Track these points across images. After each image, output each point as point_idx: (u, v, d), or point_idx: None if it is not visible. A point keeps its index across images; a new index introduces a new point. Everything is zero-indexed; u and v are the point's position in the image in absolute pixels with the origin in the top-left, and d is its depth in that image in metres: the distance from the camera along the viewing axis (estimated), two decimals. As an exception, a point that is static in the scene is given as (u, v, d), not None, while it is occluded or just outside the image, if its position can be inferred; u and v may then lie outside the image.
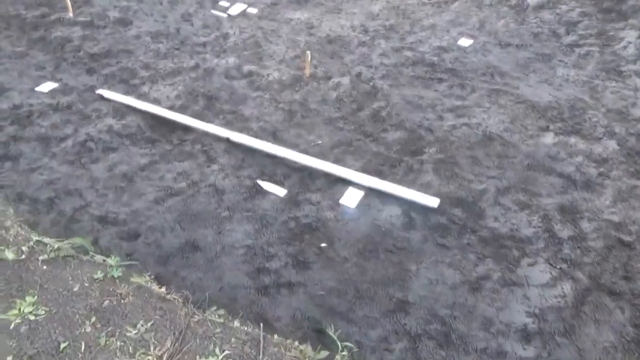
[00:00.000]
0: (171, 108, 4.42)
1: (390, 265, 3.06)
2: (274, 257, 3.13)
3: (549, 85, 4.68)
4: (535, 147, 3.91)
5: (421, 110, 4.34)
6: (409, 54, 5.21)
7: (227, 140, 4.03)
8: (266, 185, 3.63)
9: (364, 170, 3.74)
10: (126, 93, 4.59)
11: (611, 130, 4.10)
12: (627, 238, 3.20)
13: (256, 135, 4.12)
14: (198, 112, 4.39)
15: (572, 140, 3.98)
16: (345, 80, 4.77)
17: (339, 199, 3.50)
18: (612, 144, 3.95)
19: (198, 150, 3.97)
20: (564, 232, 3.23)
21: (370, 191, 3.54)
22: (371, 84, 4.73)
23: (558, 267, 3.02)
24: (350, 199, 3.48)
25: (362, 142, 4.03)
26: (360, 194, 3.51)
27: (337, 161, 3.83)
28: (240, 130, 4.17)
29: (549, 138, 4.01)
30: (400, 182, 3.61)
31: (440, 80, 4.76)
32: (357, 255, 3.12)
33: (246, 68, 4.97)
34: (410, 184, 3.59)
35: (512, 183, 3.59)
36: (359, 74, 4.87)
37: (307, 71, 4.80)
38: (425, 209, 3.39)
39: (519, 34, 5.56)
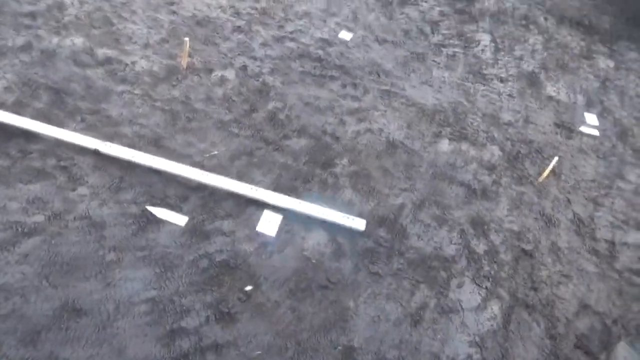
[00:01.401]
0: (0, 106, 3.24)
1: (328, 304, 2.70)
2: (190, 311, 2.49)
3: (430, 87, 4.76)
4: (436, 155, 3.92)
5: (321, 113, 4.00)
6: (292, 45, 4.77)
7: (95, 152, 3.11)
8: (160, 213, 2.90)
9: (275, 187, 3.26)
10: None
11: (491, 136, 4.34)
12: (527, 247, 3.40)
13: (133, 144, 3.27)
14: (43, 112, 3.31)
15: (464, 146, 4.11)
16: (230, 74, 4.14)
17: (255, 226, 2.97)
18: (496, 150, 4.18)
19: (53, 167, 2.98)
20: (480, 246, 3.29)
21: (288, 214, 3.09)
22: (260, 79, 4.19)
23: (483, 286, 3.04)
24: (268, 225, 2.99)
25: (265, 152, 3.51)
26: (278, 218, 3.04)
27: (241, 176, 3.27)
28: (110, 137, 3.27)
29: (444, 145, 4.06)
30: (317, 200, 3.24)
31: (332, 78, 4.46)
32: (290, 297, 2.68)
33: (101, 52, 3.94)
34: (329, 202, 3.25)
35: (424, 195, 3.53)
36: (244, 67, 4.27)
37: (184, 62, 4.01)
38: (351, 232, 3.10)
39: (391, 30, 5.56)
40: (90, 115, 3.39)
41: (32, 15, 4.13)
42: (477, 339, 2.76)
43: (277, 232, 2.97)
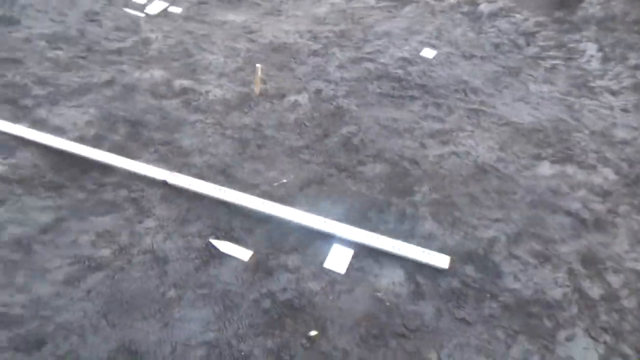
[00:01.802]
0: (81, 140, 3.34)
1: (405, 356, 2.33)
2: (249, 357, 2.26)
3: (526, 104, 4.23)
4: (535, 180, 3.40)
5: (399, 136, 3.67)
6: (370, 66, 4.53)
7: (164, 183, 3.06)
8: (224, 246, 2.74)
9: (347, 217, 2.97)
10: (15, 120, 3.42)
11: (603, 157, 3.71)
12: (657, 291, 2.75)
13: (201, 175, 3.19)
14: (119, 144, 3.36)
15: (569, 169, 3.53)
16: (303, 99, 3.97)
17: (322, 262, 2.70)
18: (610, 173, 3.55)
19: (124, 199, 2.96)
20: (594, 290, 2.71)
21: (360, 249, 2.78)
22: (334, 103, 3.97)
23: (601, 340, 2.47)
24: (338, 261, 2.70)
25: (336, 179, 3.26)
26: (348, 253, 2.74)
27: (310, 207, 3.03)
28: (180, 168, 3.21)
29: (545, 168, 3.52)
30: (394, 232, 2.90)
31: (412, 98, 4.12)
32: (360, 345, 2.35)
33: (178, 83, 3.98)
34: (408, 236, 2.89)
35: (520, 227, 3.03)
36: (318, 91, 4.09)
37: (257, 88, 3.92)
38: (432, 271, 2.71)
39: (479, 45, 5.10)
40: (162, 146, 3.38)
41: (119, 51, 4.32)
42: (596, 409, 2.21)
43: (347, 269, 2.67)
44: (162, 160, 3.26)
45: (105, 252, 2.64)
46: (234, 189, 3.07)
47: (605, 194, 3.35)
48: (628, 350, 2.45)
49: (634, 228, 3.12)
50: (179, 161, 3.28)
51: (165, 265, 2.61)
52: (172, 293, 2.48)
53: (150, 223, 2.83)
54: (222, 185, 3.10)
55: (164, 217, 2.87)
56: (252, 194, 3.07)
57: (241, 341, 2.31)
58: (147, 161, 3.24)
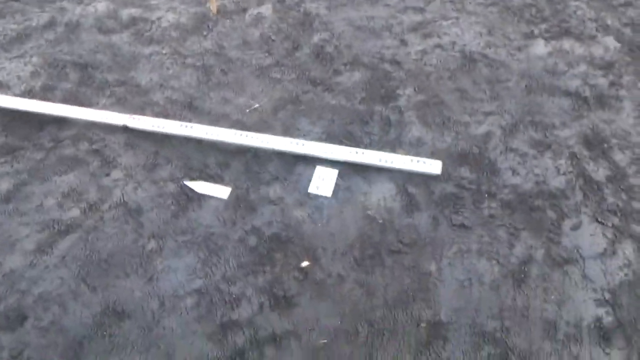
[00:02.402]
0: (29, 94, 3.05)
1: (403, 272, 2.21)
2: (241, 299, 2.15)
3: (514, -24, 3.78)
4: (529, 62, 3.09)
5: (376, 37, 3.31)
6: (336, -40, 4.01)
7: (125, 127, 2.81)
8: (200, 187, 2.55)
9: (328, 136, 2.74)
10: (-48, 82, 3.11)
11: (603, 24, 3.35)
12: (667, 163, 2.56)
13: (165, 112, 2.92)
14: (71, 92, 3.06)
15: (566, 44, 3.20)
16: (267, 10, 3.57)
17: (306, 188, 2.51)
18: (611, 42, 3.22)
19: (86, 152, 2.73)
20: (599, 172, 2.52)
21: (346, 167, 2.58)
22: (301, 9, 3.57)
23: (609, 224, 2.33)
24: (322, 184, 2.51)
25: (312, 95, 2.97)
26: (333, 174, 2.55)
27: (287, 130, 2.79)
28: (141, 108, 2.94)
29: (539, 47, 3.19)
30: (380, 144, 2.68)
31: (386, -11, 3.69)
32: (355, 269, 2.23)
33: (126, 13, 3.57)
34: (395, 145, 2.67)
35: (516, 117, 2.79)
36: (281, -2, 3.66)
37: (214, 5, 3.51)
38: (424, 179, 2.52)
39: None
40: (118, 87, 3.08)
41: (55, -12, 3.85)
42: (607, 295, 2.11)
43: (333, 191, 2.48)
44: (120, 103, 2.98)
45: (75, 213, 2.46)
46: (203, 122, 2.82)
47: (607, 66, 3.06)
48: (637, 229, 2.31)
49: (640, 98, 2.86)
50: (139, 101, 2.99)
51: (140, 216, 2.44)
52: (152, 245, 2.34)
53: (117, 174, 2.62)
54: (189, 120, 2.85)
55: (131, 165, 2.66)
56: (223, 125, 2.82)
57: (231, 284, 2.19)
58: (104, 107, 2.96)
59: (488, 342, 2.01)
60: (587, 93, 2.90)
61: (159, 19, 3.51)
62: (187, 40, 3.37)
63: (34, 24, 3.52)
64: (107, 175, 2.63)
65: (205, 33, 3.42)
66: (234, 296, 2.15)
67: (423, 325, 2.06)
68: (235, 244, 2.32)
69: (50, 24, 3.51)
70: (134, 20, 3.51)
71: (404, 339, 2.03)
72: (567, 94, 2.91)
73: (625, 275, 2.17)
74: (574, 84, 2.95)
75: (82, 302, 2.13)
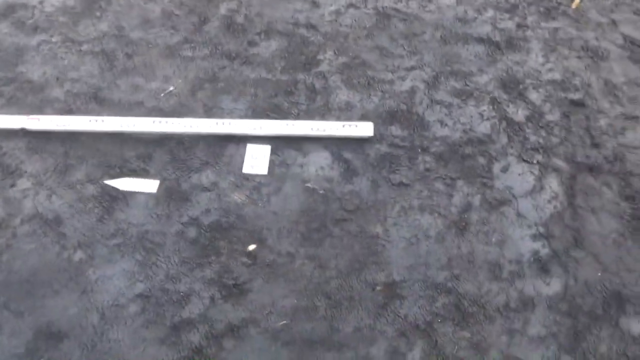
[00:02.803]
0: None
1: (351, 239, 2.20)
2: (189, 296, 2.04)
3: None
4: (440, 13, 3.12)
5: (287, 1, 3.17)
6: None
7: (23, 131, 2.50)
8: (123, 184, 2.34)
9: (254, 111, 2.62)
10: None
11: (502, -33, 3.44)
12: (576, 96, 2.73)
13: (69, 108, 2.63)
14: (-50, 98, 2.66)
15: (472, -9, 3.26)
16: (164, -18, 3.28)
17: (240, 169, 2.40)
18: (512, -15, 3.32)
19: (-19, 164, 2.41)
20: (519, 113, 2.64)
21: (278, 141, 2.48)
22: (202, -22, 3.32)
23: (534, 161, 2.45)
24: (256, 162, 2.41)
25: (230, 70, 2.81)
26: (266, 150, 2.45)
27: (210, 110, 2.63)
28: (39, 108, 2.63)
29: (447, -4, 3.22)
30: (309, 113, 2.60)
31: (289, -50, 3.52)
32: (303, 244, 2.18)
33: (1, 2, 3.13)
34: (324, 112, 2.60)
35: (436, 69, 2.82)
36: (178, -32, 3.38)
37: (102, -18, 3.16)
38: (358, 143, 2.49)
39: None
40: (6, 86, 2.72)
41: None
42: (541, 229, 2.24)
43: (269, 168, 2.39)
44: (13, 104, 2.64)
45: (-19, 234, 2.17)
46: (114, 114, 2.57)
47: (512, 9, 3.16)
48: (560, 163, 2.46)
49: (545, 37, 3.00)
50: (35, 99, 2.66)
51: (60, 226, 2.20)
52: (79, 255, 2.13)
53: (24, 183, 2.34)
54: (98, 114, 2.59)
55: (38, 171, 2.38)
56: (138, 114, 2.60)
57: (176, 282, 2.06)
58: (-6, 110, 2.61)
59: (441, 293, 2.07)
60: (498, 37, 2.99)
61: (41, 2, 3.12)
62: (79, 24, 3.02)
63: None
64: (13, 186, 2.34)
65: (98, 14, 3.09)
66: (181, 294, 2.03)
67: (378, 288, 2.08)
68: (174, 239, 2.18)
69: None
70: (11, 8, 3.09)
71: (361, 305, 2.03)
72: (480, 40, 2.98)
73: (555, 207, 2.31)
74: (485, 30, 3.03)
75: (8, 331, 1.91)
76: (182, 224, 2.22)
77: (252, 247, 2.15)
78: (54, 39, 2.94)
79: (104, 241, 2.17)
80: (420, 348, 1.94)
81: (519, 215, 2.28)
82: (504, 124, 2.59)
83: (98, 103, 2.66)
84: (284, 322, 1.98)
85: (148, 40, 2.97)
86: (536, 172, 2.41)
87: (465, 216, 2.27)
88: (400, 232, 2.22)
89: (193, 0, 3.19)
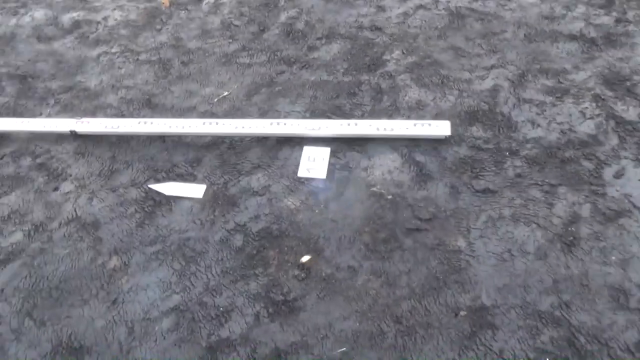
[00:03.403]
0: (-43, 112, 2.60)
1: (427, 252, 1.80)
2: (230, 312, 1.71)
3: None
4: (522, 11, 2.77)
5: (350, 6, 2.97)
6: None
7: (73, 134, 2.38)
8: (168, 189, 2.12)
9: (312, 113, 2.36)
10: None
11: (593, -34, 3.06)
12: (702, 93, 2.23)
13: (121, 114, 2.51)
14: (8, 107, 2.63)
15: (559, -11, 2.89)
16: (225, -4, 3.21)
17: (295, 172, 2.10)
18: (606, -19, 2.92)
19: (29, 168, 2.29)
20: (630, 111, 2.17)
21: (338, 143, 2.18)
22: (263, -9, 3.22)
23: (658, 165, 1.96)
24: (313, 165, 2.10)
25: (288, 74, 2.59)
26: (325, 152, 2.14)
27: (265, 114, 2.39)
28: (92, 113, 2.52)
29: (530, -6, 2.88)
30: (374, 114, 2.30)
31: (354, -38, 3.36)
32: (368, 256, 1.81)
33: (67, 18, 3.17)
34: (391, 112, 2.29)
35: (522, 67, 2.44)
36: (240, -17, 3.31)
37: (165, -3, 3.14)
38: (432, 144, 2.13)
39: None
40: (64, 94, 2.66)
41: (-13, 4, 3.44)
42: (677, 246, 1.73)
43: (328, 171, 2.08)
44: (67, 110, 2.56)
45: (17, 237, 2.00)
46: (166, 118, 2.41)
47: (607, 4, 2.75)
48: (692, 168, 1.95)
49: (653, 31, 2.55)
50: (89, 105, 2.57)
51: (97, 230, 1.99)
52: (114, 262, 1.89)
53: (67, 187, 2.18)
54: (150, 119, 2.43)
55: (83, 175, 2.22)
56: (189, 117, 2.41)
57: (216, 295, 1.75)
58: (49, 117, 2.53)
59: (547, 324, 1.60)
60: (593, 34, 2.58)
61: (104, 18, 3.12)
62: (139, 36, 2.97)
63: (-37, 41, 3.10)
64: (56, 189, 2.18)
65: (159, 27, 3.03)
66: (221, 309, 1.71)
67: (463, 313, 1.64)
68: (217, 247, 1.89)
69: (-18, 39, 3.09)
70: (76, 24, 3.11)
71: (442, 333, 1.60)
72: (572, 37, 2.58)
73: (691, 219, 1.79)
74: (577, 26, 2.63)
75: (27, 342, 1.66)
76: (227, 230, 1.93)
77: (306, 258, 1.81)
78: (113, 50, 2.89)
79: (142, 248, 1.92)
80: (521, 393, 1.46)
81: (643, 227, 1.79)
82: (612, 123, 2.13)
83: (151, 108, 2.52)
84: (343, 349, 1.59)
85: (205, 49, 2.84)
86: (662, 177, 1.92)
87: (573, 229, 1.80)
88: (488, 246, 1.79)
89: (253, 11, 3.07)
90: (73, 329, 1.69)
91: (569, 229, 1.81)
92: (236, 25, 2.98)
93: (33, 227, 2.04)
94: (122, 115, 2.49)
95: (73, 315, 1.74)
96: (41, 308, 1.76)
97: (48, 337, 1.68)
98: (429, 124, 2.13)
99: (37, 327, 1.70)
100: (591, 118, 2.16)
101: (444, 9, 2.83)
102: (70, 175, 2.23)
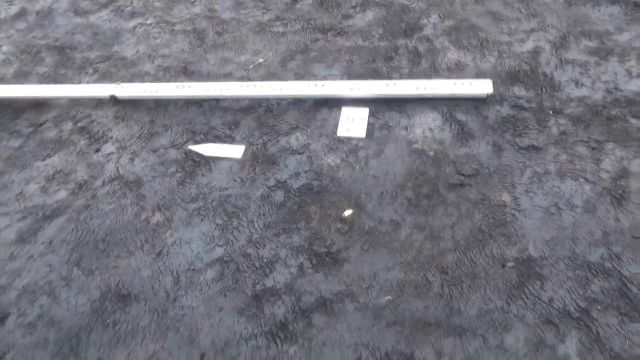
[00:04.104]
0: (1, 81, 2.66)
1: (470, 207, 1.77)
2: (274, 263, 1.71)
3: None
4: (562, -24, 2.70)
5: (384, -24, 2.93)
6: None
7: (113, 99, 2.41)
8: (208, 149, 2.13)
9: (350, 77, 2.34)
10: None
11: None
12: None
13: (157, 80, 2.53)
14: (49, 75, 2.68)
15: (599, -46, 2.81)
16: (258, -31, 3.20)
17: (334, 132, 2.10)
18: (649, -54, 2.83)
19: (71, 132, 2.33)
20: (680, 68, 2.11)
21: (377, 104, 2.17)
22: (296, -37, 3.20)
23: None
24: (353, 125, 2.10)
25: (323, 42, 2.58)
26: (364, 112, 2.13)
27: (301, 78, 2.39)
28: (130, 81, 2.55)
29: (570, -40, 2.80)
30: (413, 76, 2.27)
31: None
32: (411, 210, 1.79)
33: (103, -7, 3.21)
34: (430, 74, 2.26)
35: (563, 30, 2.38)
36: (272, -43, 3.31)
37: (198, -30, 3.15)
38: (473, 103, 2.10)
39: None
40: (102, 63, 2.70)
41: (25, -18, 3.51)
42: None
43: (367, 131, 2.07)
44: (106, 78, 2.60)
45: (61, 195, 2.04)
46: (203, 82, 2.42)
47: (651, -31, 2.66)
48: None
49: (700, -6, 2.46)
50: (127, 73, 2.60)
51: (140, 188, 2.02)
52: (157, 217, 1.91)
53: (109, 148, 2.22)
54: (188, 82, 2.45)
55: (124, 137, 2.25)
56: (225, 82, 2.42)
57: (259, 247, 1.76)
58: (88, 84, 2.57)
59: (597, 274, 1.56)
60: (638, -4, 2.50)
61: (140, -8, 3.16)
62: (173, 8, 3.00)
63: (2, 16, 3.17)
64: (97, 151, 2.22)
65: (193, 0, 3.05)
66: (265, 260, 1.72)
67: (510, 264, 1.62)
68: (259, 203, 1.89)
69: (21, 14, 3.16)
70: (112, -2, 3.15)
71: (489, 284, 1.58)
72: (614, 1, 2.51)
73: None
74: (620, -10, 2.56)
75: (76, 288, 1.70)
76: (268, 187, 1.94)
77: (348, 212, 1.81)
78: (148, 21, 2.92)
79: (184, 205, 1.94)
80: (576, 339, 1.43)
81: (698, 181, 1.73)
82: (660, 81, 2.07)
83: (187, 75, 2.54)
84: (389, 297, 1.58)
85: (239, 19, 2.85)
86: None
87: (622, 183, 1.76)
88: (534, 200, 1.76)
89: (286, -18, 3.06)
90: (120, 278, 1.72)
91: (618, 182, 1.76)
92: (269, -4, 2.98)
93: (77, 185, 2.08)
94: (161, 81, 2.52)
95: (120, 265, 1.76)
96: (88, 258, 1.79)
97: (97, 284, 1.71)
98: (470, 83, 2.10)
99: (85, 276, 1.74)
100: (638, 77, 2.10)
101: (480, -25, 2.78)
102: (111, 138, 2.27)
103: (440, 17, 2.55)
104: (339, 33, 2.62)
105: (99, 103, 2.44)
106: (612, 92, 2.07)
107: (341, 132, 2.08)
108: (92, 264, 1.77)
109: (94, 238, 1.86)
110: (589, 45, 2.28)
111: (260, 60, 2.56)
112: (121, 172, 2.09)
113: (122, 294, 1.67)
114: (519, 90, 2.13)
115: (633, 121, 1.95)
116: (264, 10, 2.88)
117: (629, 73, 2.12)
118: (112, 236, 1.86)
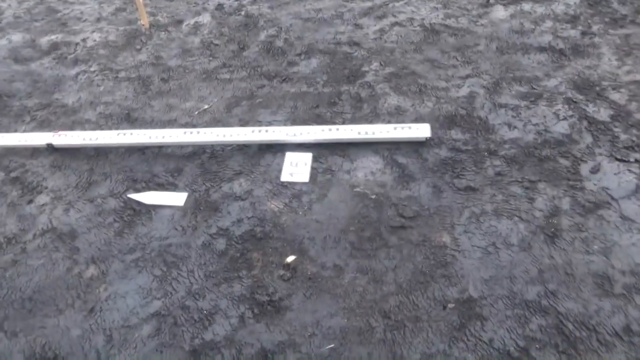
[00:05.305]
0: None
1: (412, 249, 1.78)
2: (214, 314, 1.65)
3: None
4: (492, 26, 2.89)
5: (328, 25, 3.05)
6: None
7: (49, 147, 2.33)
8: (149, 198, 2.07)
9: (294, 123, 2.37)
10: None
11: (555, -13, 3.24)
12: (666, 95, 2.33)
13: (98, 128, 2.48)
14: (-17, 123, 2.58)
15: (526, 6, 3.04)
16: (205, 19, 3.27)
17: (277, 177, 2.09)
18: (569, -1, 3.09)
19: (2, 182, 2.22)
20: (601, 112, 2.25)
21: (320, 149, 2.19)
22: (242, 12, 3.30)
23: (631, 159, 2.02)
24: (296, 170, 2.10)
25: (269, 88, 2.62)
26: (307, 157, 2.15)
27: (245, 124, 2.40)
28: (70, 128, 2.49)
29: (499, 12, 3.02)
30: (355, 120, 2.32)
31: (329, -15, 3.49)
32: (354, 255, 1.78)
33: (45, 41, 3.18)
34: (372, 118, 2.32)
35: (496, 76, 2.52)
36: (219, 6, 3.39)
37: (145, 20, 3.18)
38: (413, 146, 2.16)
39: None
40: (40, 110, 2.62)
41: (-36, 30, 3.43)
42: (656, 234, 1.76)
43: (310, 175, 2.08)
44: (44, 126, 2.52)
45: (-12, 250, 1.92)
46: (145, 129, 2.39)
47: (573, 19, 2.90)
48: (664, 162, 2.01)
49: (616, 42, 2.68)
50: (67, 121, 2.54)
51: (74, 240, 1.93)
52: (91, 271, 1.82)
53: (43, 199, 2.12)
54: (129, 130, 2.41)
55: (59, 187, 2.17)
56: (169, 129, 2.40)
57: (199, 298, 1.69)
58: (25, 132, 2.49)
59: (535, 312, 1.59)
60: (562, 45, 2.70)
61: (83, 40, 3.14)
62: (118, 56, 2.99)
63: (-63, 64, 3.06)
64: (30, 202, 2.12)
65: (138, 47, 3.05)
66: (204, 312, 1.65)
67: (451, 306, 1.62)
68: (200, 252, 1.84)
69: (-43, 62, 3.06)
70: (55, 46, 3.11)
71: (431, 327, 1.57)
72: (542, 49, 2.69)
73: (668, 208, 1.83)
74: (545, 39, 2.75)
75: (-4, 353, 1.57)
76: (210, 235, 1.90)
77: (291, 258, 1.78)
78: (92, 69, 2.89)
79: (120, 256, 1.86)
80: (515, 381, 1.43)
81: (623, 217, 1.81)
82: (585, 123, 2.20)
83: (130, 122, 2.50)
84: (331, 345, 1.54)
85: (185, 66, 2.87)
86: (637, 170, 1.97)
87: (554, 221, 1.82)
88: (473, 240, 1.80)
89: (233, 31, 3.13)
90: (47, 339, 1.61)
91: (551, 221, 1.83)
92: (216, 45, 3.03)
93: (5, 239, 1.97)
94: (101, 129, 2.47)
95: (47, 325, 1.65)
96: (13, 319, 1.67)
97: (20, 347, 1.58)
98: (409, 127, 2.16)
99: (9, 339, 1.61)
100: (565, 119, 2.22)
101: (419, 25, 2.93)
102: (46, 188, 2.17)
103: (381, 64, 2.65)
104: (284, 80, 2.66)
105: (34, 152, 2.35)
106: (542, 133, 2.18)
107: (285, 177, 2.08)
108: (16, 325, 1.65)
109: (20, 297, 1.74)
110: (520, 90, 2.41)
111: (206, 106, 2.56)
112: (54, 224, 2.00)
113: (48, 358, 1.55)
114: (456, 134, 2.21)
115: (562, 161, 2.05)
116: (210, 58, 2.91)
117: (556, 116, 2.24)
118: (41, 294, 1.75)
